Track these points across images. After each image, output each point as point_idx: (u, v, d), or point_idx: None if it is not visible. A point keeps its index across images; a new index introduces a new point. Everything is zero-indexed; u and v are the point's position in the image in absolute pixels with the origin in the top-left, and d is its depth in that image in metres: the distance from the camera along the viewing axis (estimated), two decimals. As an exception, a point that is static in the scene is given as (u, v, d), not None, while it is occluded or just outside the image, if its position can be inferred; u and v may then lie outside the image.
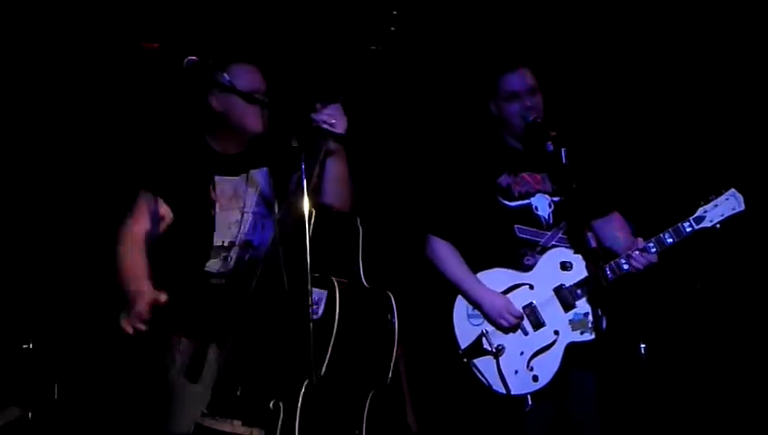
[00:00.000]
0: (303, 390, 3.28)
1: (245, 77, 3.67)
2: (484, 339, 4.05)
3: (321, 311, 3.30)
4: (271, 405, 3.34)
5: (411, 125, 5.15)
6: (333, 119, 3.46)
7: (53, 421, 4.44)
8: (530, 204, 4.17)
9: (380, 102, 4.60)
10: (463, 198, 4.15)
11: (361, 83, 3.50)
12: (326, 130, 3.43)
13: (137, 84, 4.77)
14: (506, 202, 4.15)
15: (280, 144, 3.67)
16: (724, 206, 4.07)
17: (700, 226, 4.06)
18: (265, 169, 3.77)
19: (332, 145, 3.50)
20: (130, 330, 3.42)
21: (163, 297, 3.44)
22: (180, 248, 3.73)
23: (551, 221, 4.16)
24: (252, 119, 3.69)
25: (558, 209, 4.16)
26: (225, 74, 3.60)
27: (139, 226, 3.69)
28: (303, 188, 3.18)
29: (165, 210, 3.72)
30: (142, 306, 3.41)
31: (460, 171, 4.20)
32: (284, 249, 3.39)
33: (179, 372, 3.66)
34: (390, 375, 3.44)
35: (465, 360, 4.05)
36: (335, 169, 3.55)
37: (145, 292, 3.46)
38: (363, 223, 3.59)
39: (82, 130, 4.89)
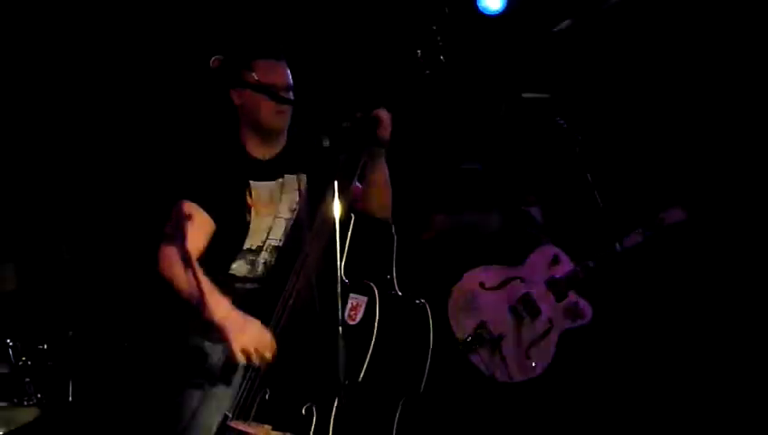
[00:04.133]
0: (339, 396, 3.27)
1: (263, 71, 3.63)
2: (483, 330, 4.42)
3: (359, 317, 3.30)
4: (303, 410, 3.33)
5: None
6: (383, 123, 3.44)
7: (69, 423, 4.42)
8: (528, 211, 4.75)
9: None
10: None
11: (405, 90, 3.49)
12: (376, 133, 3.41)
13: (169, 91, 4.77)
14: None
15: (319, 148, 3.67)
16: None
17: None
18: (302, 173, 3.75)
19: (377, 150, 3.48)
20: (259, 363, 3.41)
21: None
22: (209, 251, 3.65)
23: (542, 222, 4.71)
24: (266, 113, 3.64)
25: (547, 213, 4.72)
26: (247, 71, 3.59)
27: (186, 239, 3.52)
28: (335, 192, 3.14)
29: (208, 220, 3.63)
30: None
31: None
32: (322, 255, 3.40)
33: (208, 375, 3.64)
34: (424, 383, 3.44)
35: (464, 351, 4.38)
36: (378, 175, 3.53)
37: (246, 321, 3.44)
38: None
39: (117, 137, 4.89)
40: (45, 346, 4.13)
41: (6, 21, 4.64)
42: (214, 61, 3.38)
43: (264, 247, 3.72)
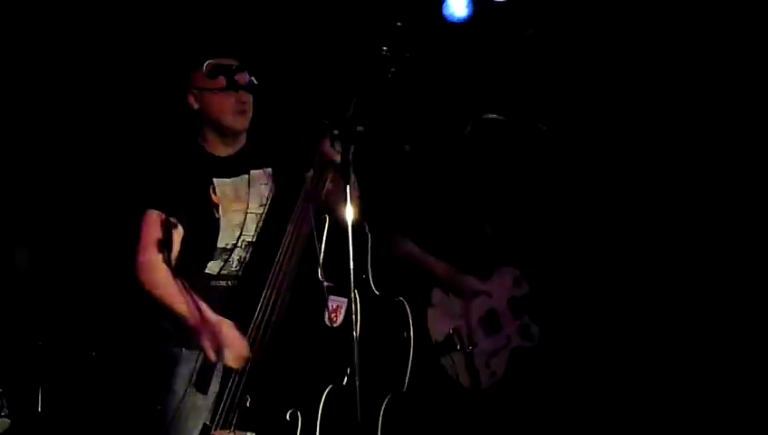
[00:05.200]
0: (324, 398, 3.25)
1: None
2: (455, 335, 4.56)
3: (340, 318, 3.27)
4: (288, 415, 3.30)
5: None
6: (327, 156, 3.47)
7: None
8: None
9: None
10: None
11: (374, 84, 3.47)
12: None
13: (124, 98, 4.72)
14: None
15: (284, 143, 3.67)
16: None
17: None
18: (268, 168, 3.74)
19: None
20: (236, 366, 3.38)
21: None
22: (183, 252, 3.65)
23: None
24: (227, 114, 3.65)
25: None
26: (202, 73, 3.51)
27: (159, 246, 3.55)
28: (348, 196, 3.09)
29: (176, 224, 3.61)
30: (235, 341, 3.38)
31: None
32: (298, 256, 3.38)
33: (185, 383, 3.59)
34: (407, 381, 3.43)
35: (437, 353, 4.53)
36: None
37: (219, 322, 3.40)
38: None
39: (74, 144, 4.83)
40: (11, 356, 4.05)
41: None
42: (207, 65, 3.39)
43: (238, 244, 3.69)
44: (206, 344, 3.39)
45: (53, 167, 4.82)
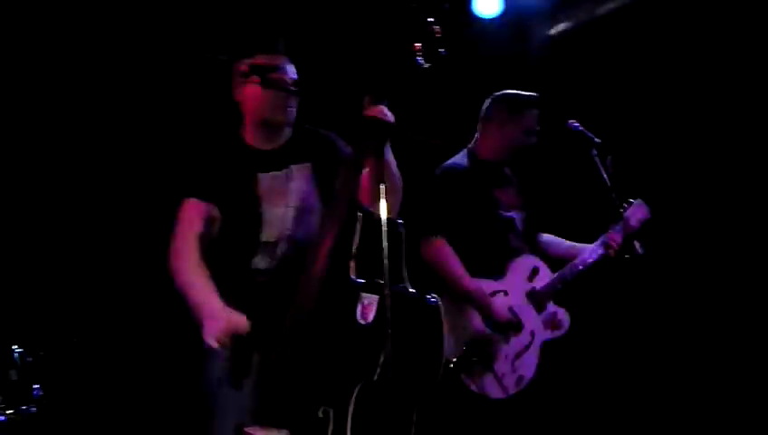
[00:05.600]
0: (355, 396, 3.23)
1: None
2: (472, 349, 4.39)
3: (371, 316, 3.25)
4: (320, 413, 3.29)
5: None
6: (385, 114, 3.41)
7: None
8: (512, 217, 4.64)
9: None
10: (469, 208, 4.51)
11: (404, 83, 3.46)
12: (381, 122, 3.37)
13: (168, 90, 4.75)
14: (503, 213, 4.59)
15: (324, 138, 3.71)
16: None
17: None
18: (309, 163, 3.74)
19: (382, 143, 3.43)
20: (216, 345, 3.40)
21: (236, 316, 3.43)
22: (228, 247, 3.69)
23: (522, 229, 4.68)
24: (271, 108, 3.67)
25: (524, 221, 4.68)
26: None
27: (193, 235, 3.62)
28: (382, 192, 3.13)
29: (215, 214, 3.67)
30: (222, 326, 3.39)
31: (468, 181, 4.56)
32: (333, 251, 3.36)
33: (221, 379, 3.59)
34: (439, 381, 3.40)
35: (455, 371, 4.36)
36: (385, 168, 3.46)
37: (218, 309, 3.44)
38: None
39: (120, 137, 4.88)
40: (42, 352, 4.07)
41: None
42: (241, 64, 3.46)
43: (282, 238, 3.70)
44: (204, 331, 3.41)
45: (97, 155, 4.87)
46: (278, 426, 3.36)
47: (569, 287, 4.63)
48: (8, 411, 3.90)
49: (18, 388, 3.93)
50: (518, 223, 4.69)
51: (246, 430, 3.40)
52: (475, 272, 4.47)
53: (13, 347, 3.98)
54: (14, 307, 4.41)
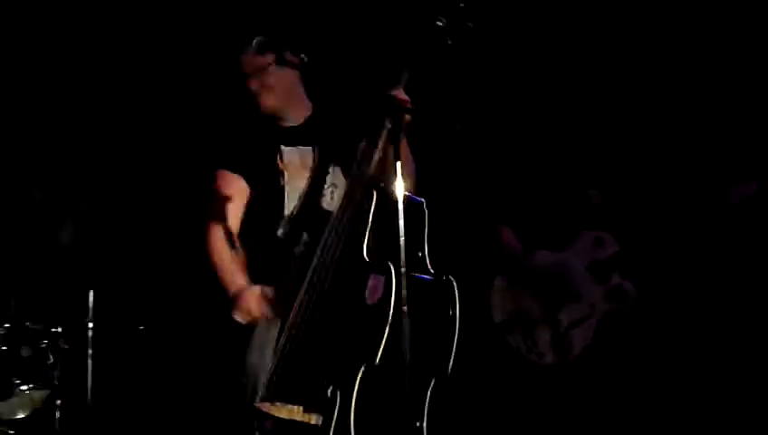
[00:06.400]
0: (359, 378, 3.18)
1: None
2: (520, 315, 4.41)
3: (376, 297, 3.20)
4: (329, 392, 3.25)
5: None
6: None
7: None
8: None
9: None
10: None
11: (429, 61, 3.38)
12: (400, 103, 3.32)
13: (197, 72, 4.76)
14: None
15: (346, 115, 3.69)
16: None
17: None
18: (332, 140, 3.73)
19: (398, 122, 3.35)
20: (245, 321, 3.54)
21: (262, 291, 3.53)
22: (255, 220, 3.74)
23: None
24: (257, 97, 3.73)
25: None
26: None
27: (226, 211, 3.70)
28: (399, 170, 3.09)
29: (245, 188, 3.73)
30: (251, 303, 3.52)
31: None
32: (347, 231, 3.33)
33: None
34: (451, 365, 3.32)
35: (501, 332, 4.38)
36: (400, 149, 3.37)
37: (246, 288, 3.56)
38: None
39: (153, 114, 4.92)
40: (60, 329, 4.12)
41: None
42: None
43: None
44: (235, 313, 3.53)
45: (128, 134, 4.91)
46: (291, 401, 3.35)
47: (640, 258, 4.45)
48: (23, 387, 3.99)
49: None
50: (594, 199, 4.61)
51: (257, 404, 3.39)
52: (537, 242, 4.48)
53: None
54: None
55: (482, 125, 4.63)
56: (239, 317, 3.54)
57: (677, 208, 4.45)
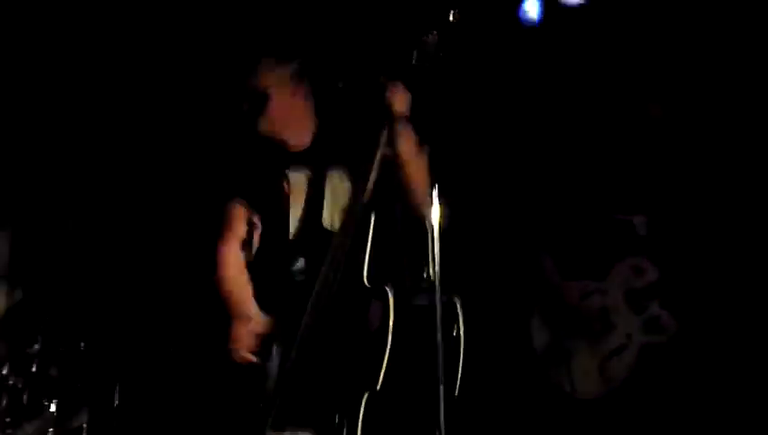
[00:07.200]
0: (363, 405, 3.14)
1: None
2: (557, 344, 4.35)
3: (376, 324, 3.16)
4: (336, 419, 3.22)
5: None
6: (393, 96, 3.29)
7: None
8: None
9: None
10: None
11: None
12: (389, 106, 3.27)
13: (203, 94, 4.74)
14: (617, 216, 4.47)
15: (351, 134, 3.55)
16: None
17: None
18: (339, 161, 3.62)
19: (396, 127, 3.30)
20: (240, 360, 3.46)
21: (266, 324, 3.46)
22: (265, 246, 3.65)
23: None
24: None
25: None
26: None
27: (239, 243, 3.63)
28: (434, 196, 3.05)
29: (257, 219, 3.64)
30: (247, 335, 3.46)
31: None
32: (347, 255, 3.28)
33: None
34: (459, 384, 3.27)
35: (541, 364, 4.34)
36: (405, 147, 3.33)
37: (252, 315, 3.50)
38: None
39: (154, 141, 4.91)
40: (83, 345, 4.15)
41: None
42: None
43: None
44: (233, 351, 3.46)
45: (137, 159, 4.91)
46: (301, 426, 3.31)
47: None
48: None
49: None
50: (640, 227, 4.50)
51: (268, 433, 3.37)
52: (576, 272, 4.42)
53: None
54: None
55: (524, 150, 4.58)
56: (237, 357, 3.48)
57: (722, 235, 4.32)
